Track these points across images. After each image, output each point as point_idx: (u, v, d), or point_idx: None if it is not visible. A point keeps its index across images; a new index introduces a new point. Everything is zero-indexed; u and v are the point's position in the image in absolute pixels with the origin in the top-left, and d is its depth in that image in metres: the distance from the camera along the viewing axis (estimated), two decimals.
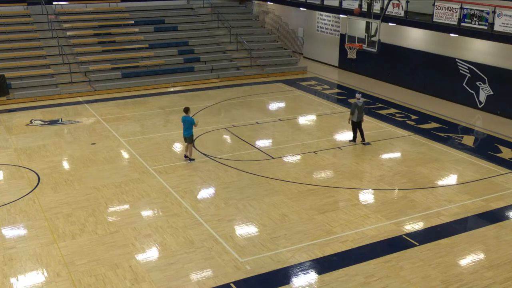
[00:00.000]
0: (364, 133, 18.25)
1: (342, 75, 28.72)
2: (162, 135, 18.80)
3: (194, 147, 17.43)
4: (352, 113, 17.77)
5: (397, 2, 22.77)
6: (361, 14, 21.57)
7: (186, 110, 16.41)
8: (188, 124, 16.14)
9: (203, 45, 28.85)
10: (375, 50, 19.12)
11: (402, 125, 20.15)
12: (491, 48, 21.24)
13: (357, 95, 17.95)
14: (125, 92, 24.74)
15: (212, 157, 16.83)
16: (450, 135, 19.26)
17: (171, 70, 26.61)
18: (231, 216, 13.16)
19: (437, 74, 23.98)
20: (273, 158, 16.87)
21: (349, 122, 18.10)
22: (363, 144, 18.03)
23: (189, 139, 16.34)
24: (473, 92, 22.40)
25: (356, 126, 18.01)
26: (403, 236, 12.30)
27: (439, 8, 21.10)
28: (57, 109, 22.03)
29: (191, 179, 15.27)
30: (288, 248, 11.70)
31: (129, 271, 10.85)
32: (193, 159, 16.58)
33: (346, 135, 18.97)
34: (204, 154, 17.07)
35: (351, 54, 20.36)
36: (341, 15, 27.40)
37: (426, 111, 22.01)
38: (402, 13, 22.89)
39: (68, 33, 26.96)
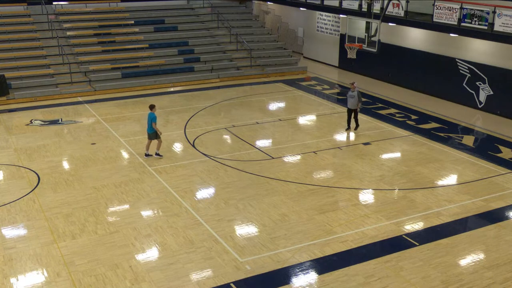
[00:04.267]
0: (365, 133, 18.34)
1: (342, 75, 28.72)
2: (162, 135, 18.77)
3: (194, 147, 17.43)
4: (361, 101, 19.15)
5: (397, 2, 22.77)
6: (361, 14, 21.59)
7: (151, 107, 16.47)
8: (149, 121, 16.31)
9: (203, 45, 28.85)
10: (375, 50, 19.13)
11: (402, 125, 20.15)
12: (491, 48, 21.24)
13: (355, 84, 19.11)
14: (125, 92, 24.74)
15: (212, 157, 16.83)
16: (450, 135, 19.26)
17: (171, 70, 26.62)
18: (231, 216, 13.16)
19: (437, 74, 23.98)
20: (273, 158, 16.87)
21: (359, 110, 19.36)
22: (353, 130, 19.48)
23: (152, 135, 16.45)
24: (473, 92, 22.40)
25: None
26: (403, 236, 12.30)
27: (439, 8, 21.10)
28: (57, 109, 22.03)
29: (191, 179, 15.27)
30: (288, 248, 11.70)
31: (129, 271, 10.85)
32: (151, 155, 16.77)
33: (346, 135, 18.97)
34: (204, 154, 17.07)
35: (351, 54, 20.36)
36: (341, 15, 27.41)
37: (426, 111, 22.01)
38: (402, 13, 22.90)
39: (68, 33, 26.96)
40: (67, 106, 22.55)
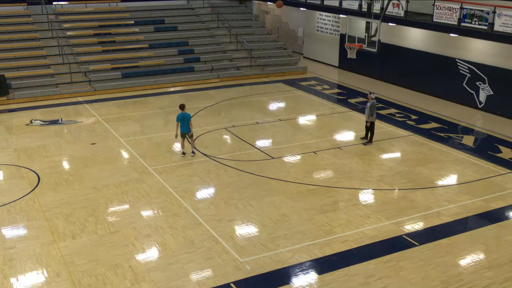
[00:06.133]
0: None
1: (342, 75, 28.72)
2: (162, 135, 18.79)
3: (194, 147, 17.45)
4: (373, 114, 17.72)
5: (397, 2, 22.77)
6: (361, 14, 21.55)
7: (182, 107, 16.74)
8: (187, 121, 16.52)
9: (203, 45, 28.85)
10: (375, 50, 19.12)
11: (402, 125, 20.15)
12: (491, 48, 21.24)
13: (373, 95, 17.82)
14: (125, 92, 24.74)
15: (212, 157, 16.83)
16: (450, 135, 19.26)
17: (171, 70, 26.61)
18: (231, 216, 13.16)
19: (437, 74, 23.97)
20: (273, 158, 16.87)
21: (368, 125, 17.94)
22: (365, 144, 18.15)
23: (189, 134, 16.73)
24: (473, 92, 22.40)
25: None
26: (403, 236, 12.30)
27: (439, 8, 21.10)
28: (57, 109, 22.03)
29: (191, 179, 15.27)
30: (288, 248, 11.70)
31: (129, 271, 10.85)
32: (194, 153, 17.04)
33: (346, 135, 18.98)
34: (204, 154, 17.07)
35: (351, 54, 20.36)
36: (341, 15, 27.41)
37: (426, 111, 22.01)
38: (402, 13, 22.89)
39: (68, 33, 26.96)
40: (67, 106, 22.55)
